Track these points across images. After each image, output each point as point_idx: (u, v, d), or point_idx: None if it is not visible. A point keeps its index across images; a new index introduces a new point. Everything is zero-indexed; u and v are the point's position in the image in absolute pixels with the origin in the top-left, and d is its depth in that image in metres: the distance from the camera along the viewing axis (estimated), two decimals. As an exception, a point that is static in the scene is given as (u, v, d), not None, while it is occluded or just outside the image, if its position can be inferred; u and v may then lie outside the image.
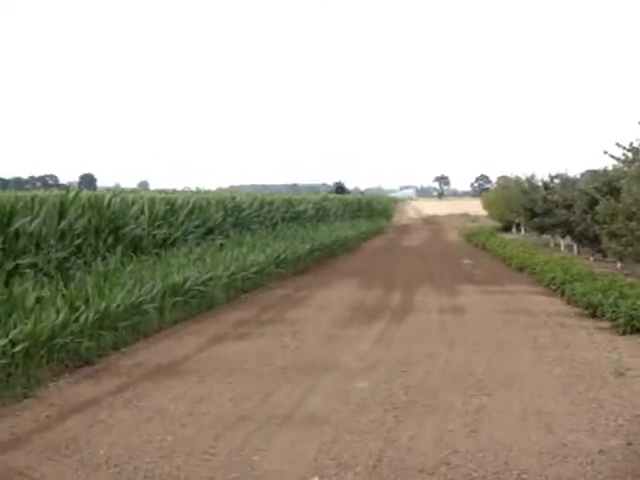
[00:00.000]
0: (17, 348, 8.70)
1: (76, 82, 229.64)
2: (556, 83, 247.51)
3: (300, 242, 25.13)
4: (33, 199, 13.18)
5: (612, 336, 11.99)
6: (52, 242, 12.87)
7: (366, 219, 52.17)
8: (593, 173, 22.71)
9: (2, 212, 11.90)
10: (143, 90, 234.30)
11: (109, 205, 15.64)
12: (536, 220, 31.40)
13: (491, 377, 9.31)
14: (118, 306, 11.14)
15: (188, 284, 13.91)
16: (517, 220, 41.33)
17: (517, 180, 40.07)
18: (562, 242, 30.12)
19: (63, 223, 13.39)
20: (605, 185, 19.46)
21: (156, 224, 17.53)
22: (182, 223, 19.20)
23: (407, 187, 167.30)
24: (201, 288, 14.43)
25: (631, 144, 16.96)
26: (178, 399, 8.33)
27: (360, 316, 14.28)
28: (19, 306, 9.94)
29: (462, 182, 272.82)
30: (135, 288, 12.19)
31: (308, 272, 22.89)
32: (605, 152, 17.84)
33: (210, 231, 21.23)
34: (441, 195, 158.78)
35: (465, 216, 69.28)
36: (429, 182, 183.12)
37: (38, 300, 10.38)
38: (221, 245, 20.03)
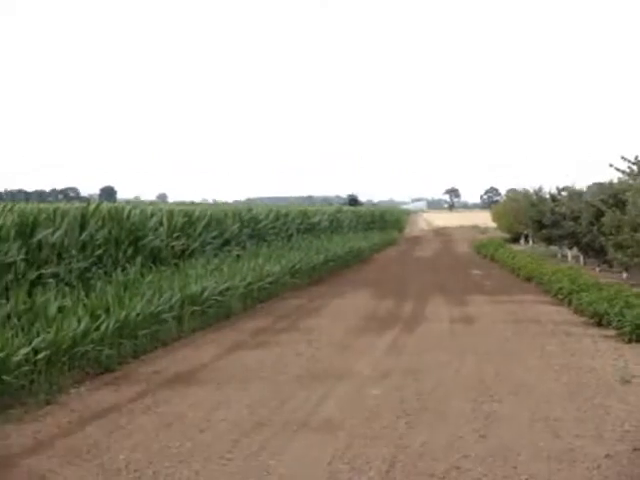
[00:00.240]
0: (40, 356, 8.87)
1: (97, 97, 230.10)
2: (565, 97, 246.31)
3: (315, 253, 25.24)
4: (55, 211, 13.28)
5: (618, 344, 12.09)
6: (73, 253, 12.99)
7: (379, 231, 52.05)
8: (599, 186, 22.79)
9: (25, 224, 11.99)
10: (163, 104, 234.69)
11: (129, 217, 15.76)
12: (544, 231, 31.46)
13: (500, 384, 9.44)
14: (138, 315, 11.32)
15: (206, 294, 14.06)
16: (525, 232, 41.29)
17: (525, 193, 40.00)
18: (569, 253, 30.11)
19: (84, 234, 13.52)
20: (611, 197, 19.56)
21: (174, 235, 17.64)
22: (200, 234, 19.26)
23: (418, 199, 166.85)
24: (218, 298, 14.56)
25: (636, 157, 17.10)
26: (196, 406, 8.46)
27: (373, 325, 14.41)
28: (42, 315, 10.12)
29: (472, 194, 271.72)
30: (154, 298, 12.36)
31: (322, 282, 23.01)
32: (611, 165, 17.99)
33: (227, 242, 21.29)
34: (451, 207, 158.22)
35: (475, 228, 68.89)
36: (440, 194, 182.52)
37: (60, 309, 10.56)
38: (238, 256, 20.13)
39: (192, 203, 26.96)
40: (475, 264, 31.50)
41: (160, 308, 12.18)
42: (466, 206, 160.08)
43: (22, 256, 11.57)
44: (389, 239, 48.51)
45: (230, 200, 43.22)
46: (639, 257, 16.84)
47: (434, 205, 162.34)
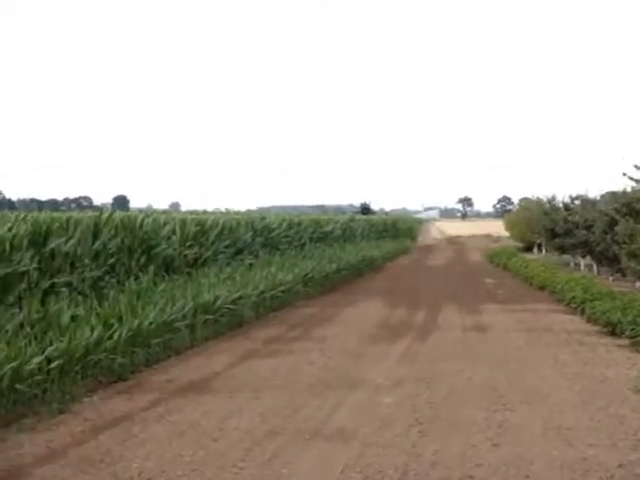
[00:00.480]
0: (53, 365, 8.90)
1: (110, 106, 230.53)
2: (579, 107, 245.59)
3: (327, 262, 25.26)
4: (68, 220, 13.34)
5: (631, 353, 12.06)
6: (86, 262, 13.05)
7: (391, 239, 52.11)
8: (613, 194, 22.72)
9: (38, 233, 12.05)
10: (176, 114, 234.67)
11: (141, 226, 15.82)
12: (557, 240, 31.43)
13: (513, 393, 9.42)
14: (150, 324, 11.35)
15: (218, 303, 14.07)
16: (538, 240, 41.25)
17: (538, 201, 39.98)
18: (582, 262, 30.04)
19: (97, 243, 13.58)
20: (624, 206, 19.47)
21: (187, 244, 17.68)
22: (212, 243, 19.31)
23: (431, 208, 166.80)
24: (231, 306, 14.57)
25: None
26: (209, 414, 8.47)
27: (385, 334, 14.39)
28: (55, 324, 10.18)
29: (485, 203, 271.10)
30: (167, 306, 12.40)
31: (335, 291, 23.02)
32: (624, 174, 17.96)
33: (240, 251, 21.34)
34: (464, 216, 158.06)
35: (488, 237, 68.86)
36: (453, 203, 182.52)
37: (73, 318, 10.60)
38: (250, 265, 20.14)
39: (205, 212, 26.92)
40: (488, 273, 31.48)
41: (173, 317, 12.20)
42: (479, 215, 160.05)
43: (35, 265, 11.63)
44: (402, 248, 48.54)
45: (243, 209, 43.11)
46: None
47: (447, 214, 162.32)
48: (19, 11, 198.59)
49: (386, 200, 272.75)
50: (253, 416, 8.40)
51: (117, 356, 10.17)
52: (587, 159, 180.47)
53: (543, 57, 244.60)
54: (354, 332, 14.52)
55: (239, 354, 12.14)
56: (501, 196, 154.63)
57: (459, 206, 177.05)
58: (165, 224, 17.13)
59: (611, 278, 24.44)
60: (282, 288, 18.10)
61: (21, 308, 10.61)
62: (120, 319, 11.03)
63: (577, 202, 30.58)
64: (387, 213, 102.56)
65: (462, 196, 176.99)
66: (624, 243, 18.16)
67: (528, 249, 44.62)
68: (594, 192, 29.55)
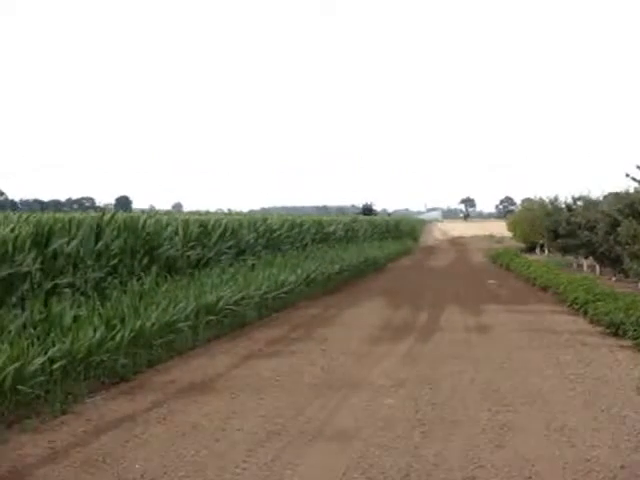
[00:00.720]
0: (55, 365, 8.90)
1: (112, 107, 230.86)
2: (582, 107, 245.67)
3: (330, 262, 25.26)
4: (70, 221, 13.32)
5: (634, 354, 12.06)
6: (89, 262, 13.02)
7: (394, 240, 52.08)
8: (615, 195, 22.70)
9: (41, 233, 12.01)
10: (178, 115, 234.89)
11: (144, 226, 15.79)
12: (559, 241, 31.39)
13: (515, 394, 9.42)
14: (153, 325, 11.35)
15: (221, 303, 14.05)
16: (541, 241, 41.26)
17: (541, 202, 40.04)
18: (585, 263, 30.04)
19: (100, 244, 13.56)
20: (627, 207, 19.48)
21: (190, 245, 17.64)
22: (215, 244, 19.26)
23: (433, 209, 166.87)
24: (234, 307, 14.55)
25: None
26: (211, 415, 8.47)
27: (388, 335, 14.41)
28: (57, 325, 10.17)
29: (487, 204, 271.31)
30: (169, 307, 12.39)
31: (337, 292, 23.01)
32: (627, 175, 17.97)
33: (242, 252, 21.30)
34: (467, 217, 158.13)
35: (490, 237, 68.80)
36: (455, 204, 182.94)
37: (75, 319, 10.58)
38: (253, 265, 20.10)
39: (207, 213, 26.92)
40: (490, 273, 31.48)
41: (175, 317, 12.19)
42: (481, 215, 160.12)
43: (38, 266, 11.62)
44: (404, 249, 48.55)
45: (245, 210, 43.14)
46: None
47: (449, 215, 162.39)
48: (19, 11, 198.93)
49: (388, 201, 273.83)
50: (255, 417, 8.39)
51: (119, 357, 10.16)
52: (589, 159, 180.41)
53: (545, 57, 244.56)
54: (356, 333, 14.53)
55: (241, 355, 12.14)
56: (503, 197, 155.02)
57: (462, 207, 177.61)
58: (168, 225, 17.11)
59: (614, 279, 24.42)
60: (284, 289, 18.09)
61: (24, 309, 10.60)
62: (123, 320, 11.02)
63: (580, 203, 30.57)
64: (389, 214, 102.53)
65: (465, 197, 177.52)
66: (627, 244, 18.15)
67: (531, 250, 44.60)
68: (597, 193, 29.53)
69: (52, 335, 9.71)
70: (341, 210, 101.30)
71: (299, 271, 20.58)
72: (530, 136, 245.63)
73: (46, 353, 8.97)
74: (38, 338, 9.48)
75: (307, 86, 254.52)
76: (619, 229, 18.99)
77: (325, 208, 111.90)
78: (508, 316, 17.23)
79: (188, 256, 17.41)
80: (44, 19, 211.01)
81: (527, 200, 55.68)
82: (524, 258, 35.44)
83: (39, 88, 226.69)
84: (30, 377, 8.40)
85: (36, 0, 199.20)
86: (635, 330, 12.87)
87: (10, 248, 11.07)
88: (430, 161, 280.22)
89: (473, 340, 13.86)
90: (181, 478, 6.49)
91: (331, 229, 35.64)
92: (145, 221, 16.11)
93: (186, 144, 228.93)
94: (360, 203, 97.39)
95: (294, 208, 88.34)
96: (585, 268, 29.55)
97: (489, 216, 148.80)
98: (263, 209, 69.01)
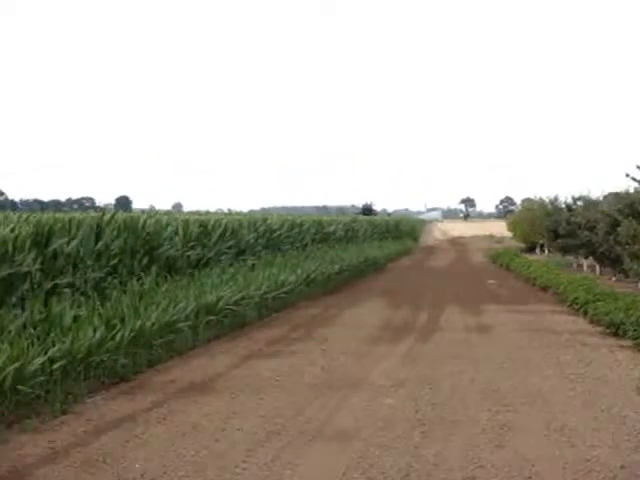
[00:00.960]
0: (55, 365, 8.90)
1: (112, 107, 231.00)
2: (582, 107, 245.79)
3: (329, 262, 25.26)
4: (70, 221, 13.32)
5: (634, 354, 12.07)
6: (89, 262, 13.02)
7: (394, 240, 52.08)
8: (615, 195, 22.70)
9: (41, 233, 12.01)
10: (178, 115, 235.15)
11: (144, 226, 15.79)
12: (559, 241, 31.40)
13: (515, 394, 9.42)
14: (153, 325, 11.35)
15: (221, 303, 14.05)
16: (541, 241, 41.28)
17: (541, 202, 40.06)
18: (585, 263, 30.05)
19: (99, 244, 13.55)
20: (627, 207, 19.49)
21: (190, 245, 17.64)
22: (215, 244, 19.26)
23: (433, 209, 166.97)
24: (234, 307, 14.55)
25: None
26: (211, 415, 8.47)
27: (388, 335, 14.41)
28: (57, 325, 10.17)
29: (487, 204, 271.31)
30: (169, 307, 12.38)
31: (337, 292, 23.01)
32: (627, 175, 17.97)
33: (242, 252, 21.29)
34: (467, 217, 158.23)
35: (490, 237, 68.82)
36: (455, 204, 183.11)
37: (75, 319, 10.58)
38: (253, 265, 20.09)
39: (207, 213, 26.92)
40: (490, 273, 31.49)
41: (175, 317, 12.19)
42: (481, 215, 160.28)
43: (38, 266, 11.62)
44: (404, 249, 48.56)
45: (245, 210, 43.14)
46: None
47: (449, 215, 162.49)
48: (19, 11, 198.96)
49: (388, 201, 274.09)
50: (255, 417, 8.39)
51: (119, 357, 10.16)
52: (589, 159, 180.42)
53: (544, 57, 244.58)
54: (356, 333, 14.52)
55: (241, 355, 12.15)
56: (503, 197, 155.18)
57: (462, 207, 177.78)
58: (168, 225, 17.11)
59: (614, 279, 24.43)
60: (284, 289, 18.09)
61: (24, 309, 10.61)
62: (122, 320, 11.02)
63: (580, 203, 30.57)
64: (389, 214, 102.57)
65: (465, 197, 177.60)
66: (627, 244, 18.15)
67: (531, 250, 44.60)
68: (597, 193, 29.54)
69: (52, 335, 9.71)
70: (341, 210, 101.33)
71: (299, 271, 20.58)
72: (530, 136, 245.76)
73: (46, 353, 8.97)
74: (38, 338, 9.48)
75: (307, 86, 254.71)
76: (619, 229, 18.99)
77: (325, 208, 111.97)
78: (508, 316, 17.23)
79: (188, 256, 17.41)
80: (44, 19, 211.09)
81: (527, 200, 55.79)
82: (524, 258, 35.46)
83: (39, 88, 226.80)
84: (30, 377, 8.40)
85: (36, 0, 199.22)
86: (635, 330, 12.87)
87: (10, 248, 11.08)
88: (430, 161, 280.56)
89: (473, 340, 13.87)
90: (181, 478, 6.49)
91: (331, 229, 35.65)
92: (145, 221, 16.11)
93: (186, 144, 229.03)
94: (360, 203, 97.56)
95: (294, 208, 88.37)
96: (585, 268, 29.56)
97: (489, 216, 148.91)
98: (263, 209, 69.06)
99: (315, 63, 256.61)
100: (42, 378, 8.61)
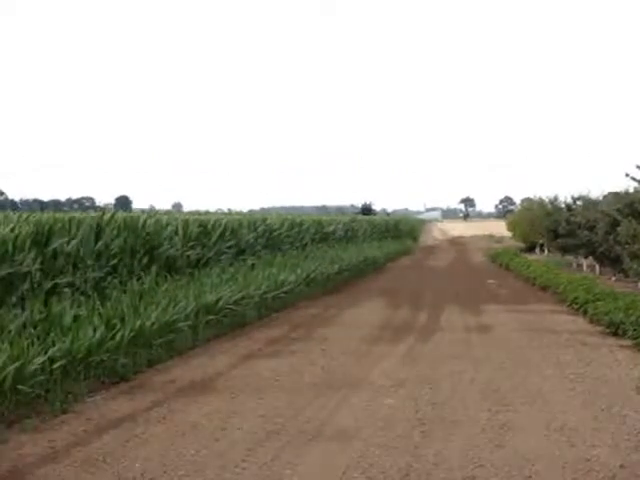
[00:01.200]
0: (55, 365, 8.92)
1: (112, 106, 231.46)
2: (582, 106, 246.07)
3: (329, 262, 25.26)
4: (70, 220, 13.35)
5: (634, 354, 12.06)
6: (89, 262, 13.04)
7: (393, 240, 52.08)
8: (615, 195, 22.71)
9: (41, 233, 12.04)
10: (178, 114, 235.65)
11: (144, 226, 15.82)
12: (559, 241, 31.39)
13: (515, 394, 9.42)
14: (153, 324, 11.35)
15: (221, 303, 14.06)
16: (541, 241, 41.26)
17: (541, 202, 40.02)
18: (584, 262, 30.03)
19: (99, 244, 13.58)
20: (627, 207, 19.49)
21: (190, 245, 17.66)
22: (215, 244, 19.28)
23: (433, 209, 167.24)
24: (233, 307, 14.55)
25: None
26: (211, 414, 8.47)
27: (387, 334, 14.41)
28: (57, 324, 10.19)
29: (487, 204, 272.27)
30: (169, 307, 12.39)
31: (337, 292, 23.00)
32: (627, 175, 17.97)
33: (242, 251, 21.31)
34: (466, 217, 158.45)
35: (490, 237, 68.80)
36: (455, 204, 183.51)
37: (75, 318, 10.59)
38: (253, 265, 20.10)
39: (207, 212, 26.95)
40: (490, 273, 31.48)
41: (175, 317, 12.19)
42: (481, 215, 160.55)
43: (38, 266, 11.64)
44: (404, 248, 48.54)
45: (245, 209, 43.20)
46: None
47: (449, 214, 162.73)
48: (19, 11, 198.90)
49: (388, 200, 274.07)
50: (255, 416, 8.40)
51: (119, 356, 10.17)
52: (589, 159, 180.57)
53: (544, 57, 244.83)
54: (356, 333, 14.51)
55: (241, 354, 12.14)
56: (503, 196, 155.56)
57: (461, 206, 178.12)
58: (167, 225, 17.13)
59: (613, 279, 24.43)
60: (284, 289, 18.10)
61: (24, 308, 10.62)
62: (122, 319, 11.02)
63: (579, 203, 30.57)
64: (389, 214, 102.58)
65: (464, 196, 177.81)
66: (626, 244, 18.15)
67: (530, 249, 44.59)
68: (596, 192, 29.54)
69: (52, 335, 9.72)
70: (340, 210, 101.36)
71: (299, 271, 20.58)
72: (530, 136, 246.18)
73: (46, 353, 8.98)
74: (38, 338, 9.49)
75: (307, 86, 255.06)
76: (619, 229, 18.99)
77: (324, 208, 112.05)
78: (508, 316, 17.23)
79: (188, 256, 17.42)
80: (44, 19, 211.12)
81: (527, 200, 55.81)
82: (524, 258, 35.46)
83: (39, 88, 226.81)
84: (30, 376, 8.41)
85: (36, 0, 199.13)
86: (635, 330, 12.88)
87: (10, 248, 11.11)
88: (430, 161, 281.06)
89: (473, 340, 13.86)
90: (181, 477, 6.49)
91: (331, 229, 35.66)
92: (145, 221, 16.14)
93: (186, 144, 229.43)
94: (359, 203, 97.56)
95: (293, 208, 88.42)
96: (585, 268, 29.55)
97: (489, 216, 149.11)
98: (263, 209, 69.11)
99: (315, 63, 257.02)
100: (42, 378, 8.62)
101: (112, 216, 14.86)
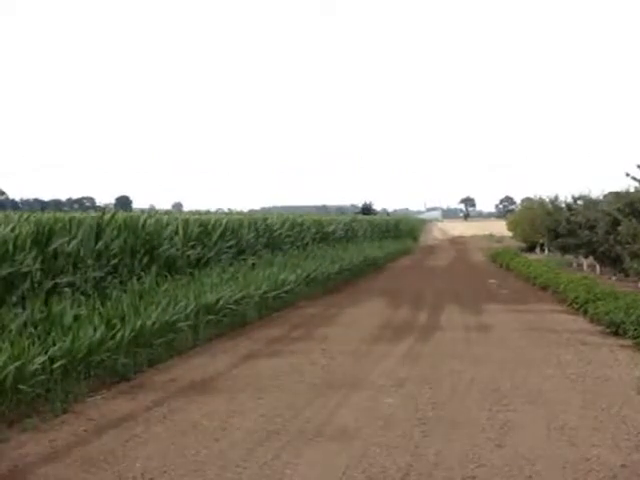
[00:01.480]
0: (56, 365, 8.92)
1: (112, 106, 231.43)
2: (582, 106, 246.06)
3: (330, 262, 25.28)
4: (71, 220, 13.34)
5: (634, 354, 12.05)
6: (89, 262, 13.04)
7: (393, 240, 52.12)
8: (615, 194, 22.71)
9: (41, 233, 12.04)
10: (178, 114, 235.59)
11: (144, 226, 15.81)
12: (559, 240, 31.41)
13: (516, 393, 9.42)
14: (153, 324, 11.36)
15: (221, 303, 14.07)
16: (541, 241, 41.28)
17: (541, 202, 40.03)
18: (585, 262, 30.06)
19: (100, 243, 13.58)
20: (627, 206, 19.50)
21: (190, 244, 17.66)
22: (215, 243, 19.28)
23: (433, 208, 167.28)
24: (234, 307, 14.57)
25: None
26: (211, 414, 8.47)
27: (388, 334, 14.41)
28: (58, 324, 10.19)
29: (487, 204, 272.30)
30: (170, 307, 12.40)
31: (337, 291, 23.02)
32: (627, 174, 17.97)
33: (242, 251, 21.31)
34: (467, 216, 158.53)
35: (490, 237, 68.84)
36: (455, 204, 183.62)
37: (76, 318, 10.60)
38: (253, 265, 20.12)
39: (207, 212, 26.93)
40: (490, 273, 31.49)
41: (175, 317, 12.20)
42: (481, 215, 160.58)
43: (38, 265, 11.64)
44: (404, 248, 48.56)
45: (245, 209, 43.18)
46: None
47: (449, 214, 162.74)
48: (19, 11, 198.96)
49: (388, 200, 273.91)
50: (255, 416, 8.40)
51: (120, 356, 10.17)
52: (589, 159, 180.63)
53: (545, 57, 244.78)
54: (356, 332, 14.52)
55: (241, 354, 12.15)
56: (503, 196, 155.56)
57: (462, 206, 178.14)
58: (168, 224, 17.12)
59: (614, 278, 24.43)
60: (285, 288, 18.11)
61: (24, 308, 10.62)
62: (123, 319, 11.03)
63: (580, 202, 30.56)
64: (389, 213, 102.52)
65: (464, 196, 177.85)
66: (627, 243, 18.18)
67: (531, 249, 44.62)
68: (597, 192, 29.53)
69: (52, 334, 9.72)
70: (340, 210, 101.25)
71: (299, 271, 20.60)
72: (530, 136, 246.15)
73: (47, 352, 8.99)
74: (39, 337, 9.50)
75: (307, 86, 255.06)
76: (619, 228, 19.01)
77: (325, 208, 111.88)
78: (508, 315, 17.24)
79: (188, 255, 17.42)
80: (44, 19, 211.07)
81: (527, 199, 55.91)
82: (524, 257, 35.44)
83: (39, 88, 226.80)
84: (31, 376, 8.41)
85: (36, 0, 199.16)
86: (635, 329, 12.87)
87: (11, 247, 11.11)
88: (430, 161, 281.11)
89: (473, 340, 13.85)
90: (181, 477, 6.50)
91: (331, 229, 35.66)
92: (145, 221, 16.12)
93: (186, 144, 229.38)
94: (360, 203, 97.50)
95: (294, 208, 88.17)
96: (585, 267, 29.56)
97: (489, 216, 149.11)
98: (263, 209, 68.94)
99: (315, 63, 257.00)
100: (43, 377, 8.62)
101: (112, 216, 14.85)
